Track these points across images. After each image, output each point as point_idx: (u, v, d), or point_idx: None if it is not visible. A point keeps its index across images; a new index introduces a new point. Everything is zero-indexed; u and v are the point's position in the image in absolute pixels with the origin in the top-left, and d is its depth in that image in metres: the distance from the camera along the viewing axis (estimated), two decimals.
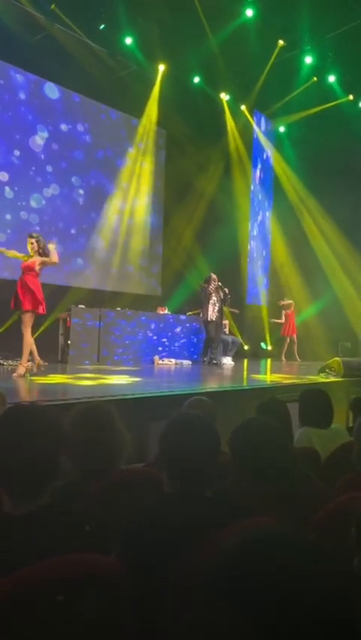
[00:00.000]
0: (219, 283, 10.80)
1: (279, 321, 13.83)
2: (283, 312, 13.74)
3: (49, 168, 12.11)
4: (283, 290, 14.80)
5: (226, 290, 10.81)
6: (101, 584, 1.49)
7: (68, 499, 1.86)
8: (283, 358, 13.52)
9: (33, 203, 11.78)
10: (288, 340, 13.72)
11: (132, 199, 14.00)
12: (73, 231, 12.63)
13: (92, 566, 1.51)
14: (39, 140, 11.94)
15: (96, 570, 1.51)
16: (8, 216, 11.32)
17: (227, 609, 0.81)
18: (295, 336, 13.72)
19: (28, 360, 7.27)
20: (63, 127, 12.39)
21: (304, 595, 0.79)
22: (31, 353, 7.25)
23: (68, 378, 7.51)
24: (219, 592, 0.83)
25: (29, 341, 7.13)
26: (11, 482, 1.66)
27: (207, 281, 10.79)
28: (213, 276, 10.86)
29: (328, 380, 8.10)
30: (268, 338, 14.90)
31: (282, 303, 13.85)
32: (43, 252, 7.33)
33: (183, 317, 11.99)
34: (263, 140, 14.86)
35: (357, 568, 1.20)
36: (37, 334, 11.00)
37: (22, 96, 11.63)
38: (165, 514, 1.82)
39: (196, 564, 1.68)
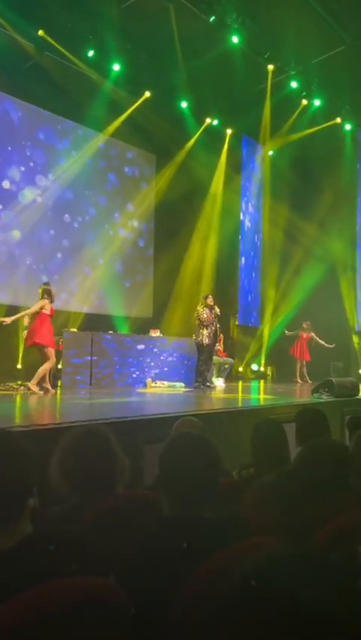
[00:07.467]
0: (213, 305, 10.62)
1: (290, 333, 13.49)
2: (300, 332, 13.36)
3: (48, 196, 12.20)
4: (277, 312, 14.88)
5: (218, 311, 10.65)
6: (102, 607, 1.46)
7: (61, 524, 1.82)
8: (298, 380, 13.23)
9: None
10: (298, 362, 13.41)
11: (124, 222, 14.10)
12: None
13: (93, 589, 1.48)
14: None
15: (97, 593, 1.48)
16: None
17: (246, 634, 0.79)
18: (301, 359, 13.37)
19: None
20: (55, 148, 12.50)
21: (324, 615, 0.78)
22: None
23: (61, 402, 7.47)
24: (237, 617, 0.82)
25: None
26: None
27: (203, 304, 10.55)
28: (209, 298, 10.65)
29: (321, 400, 8.08)
30: (263, 360, 14.90)
31: (304, 325, 13.43)
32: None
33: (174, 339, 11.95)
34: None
35: None
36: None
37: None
38: (164, 537, 1.79)
39: (198, 587, 1.66)
